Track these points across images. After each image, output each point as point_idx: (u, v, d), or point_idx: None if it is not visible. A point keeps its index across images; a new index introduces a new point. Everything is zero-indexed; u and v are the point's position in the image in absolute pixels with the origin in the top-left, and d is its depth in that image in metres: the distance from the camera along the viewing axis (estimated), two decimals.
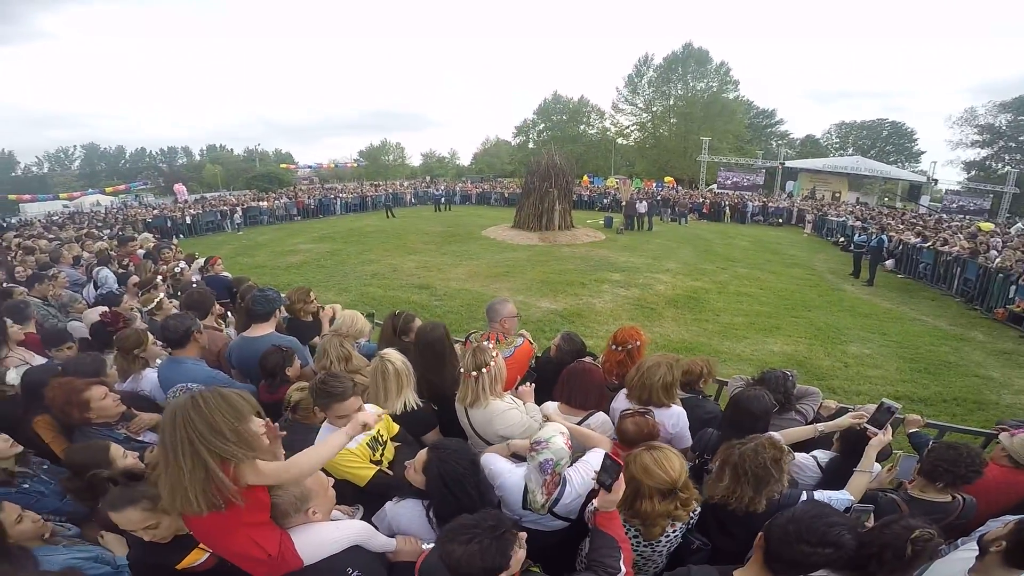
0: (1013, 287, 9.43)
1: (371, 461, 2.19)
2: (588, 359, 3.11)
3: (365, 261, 13.23)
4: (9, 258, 8.70)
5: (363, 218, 24.36)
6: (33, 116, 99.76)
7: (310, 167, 51.48)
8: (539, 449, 1.87)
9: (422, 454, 1.91)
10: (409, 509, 1.95)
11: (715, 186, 39.13)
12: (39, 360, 3.50)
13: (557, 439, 1.88)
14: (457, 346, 3.18)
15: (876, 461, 2.24)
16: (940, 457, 2.11)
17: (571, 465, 2.01)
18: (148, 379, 3.17)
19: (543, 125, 57.43)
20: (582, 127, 57.18)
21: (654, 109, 52.34)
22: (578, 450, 2.14)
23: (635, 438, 2.16)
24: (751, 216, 25.89)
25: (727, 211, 25.98)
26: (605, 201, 27.64)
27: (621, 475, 1.66)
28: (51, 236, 13.01)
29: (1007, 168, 40.06)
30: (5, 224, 24.22)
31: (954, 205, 33.80)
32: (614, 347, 3.10)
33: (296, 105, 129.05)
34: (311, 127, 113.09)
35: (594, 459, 2.01)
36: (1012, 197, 34.34)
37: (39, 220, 23.48)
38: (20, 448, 2.28)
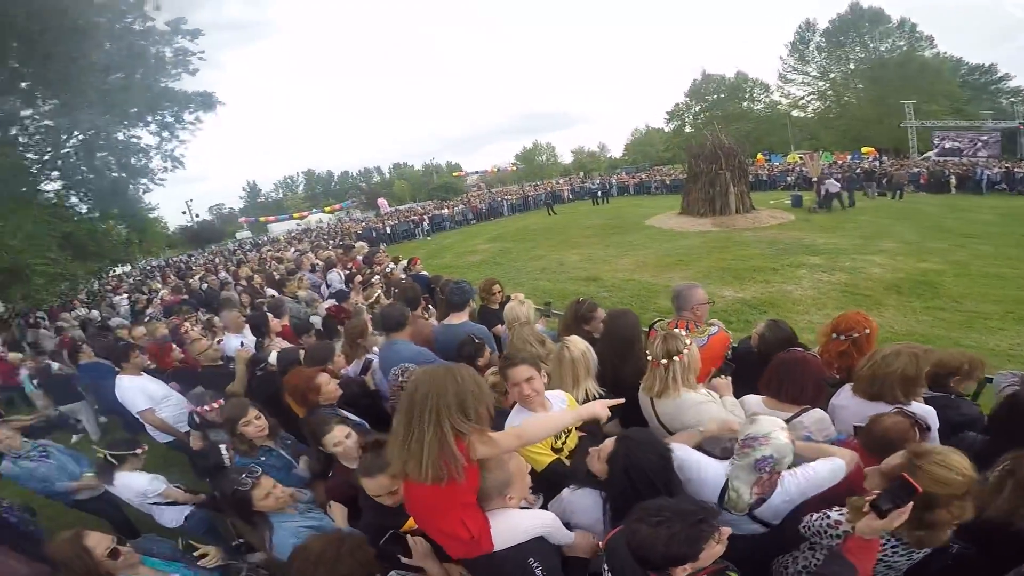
0: None
1: (552, 449, 2.15)
2: (804, 350, 2.72)
3: (534, 257, 13.91)
4: (266, 267, 11.37)
5: (527, 217, 25.53)
6: (266, 149, 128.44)
7: (477, 173, 55.98)
8: (754, 445, 1.66)
9: (608, 443, 1.81)
10: (586, 499, 1.89)
11: (931, 154, 31.93)
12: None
13: (778, 435, 1.66)
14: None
15: None
16: None
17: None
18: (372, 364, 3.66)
19: (698, 107, 53.81)
20: (745, 103, 52.17)
21: (832, 76, 46.42)
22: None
23: (882, 442, 1.84)
24: (991, 185, 20.64)
25: (951, 181, 21.14)
26: (788, 179, 24.56)
27: (910, 504, 1.35)
28: (292, 248, 16.47)
29: None
30: (260, 241, 31.38)
31: None
32: (835, 336, 2.65)
33: (457, 118, 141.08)
34: (472, 137, 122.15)
35: (822, 467, 1.78)
36: None
37: (282, 236, 29.93)
38: (266, 432, 2.75)
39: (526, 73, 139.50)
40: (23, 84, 13.00)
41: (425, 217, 25.75)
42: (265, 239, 34.65)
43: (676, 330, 2.42)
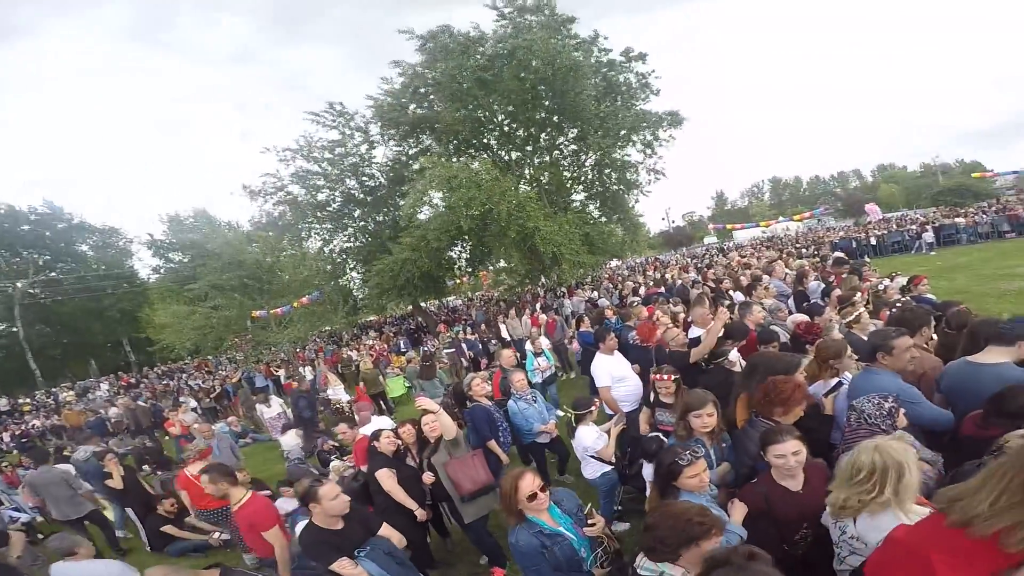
0: None
1: None
2: None
3: None
4: (734, 271, 11.80)
5: None
6: (731, 158, 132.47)
7: (1015, 173, 38.55)
8: None
9: None
10: None
11: None
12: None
13: None
14: None
15: None
16: None
17: None
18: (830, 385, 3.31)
19: None
20: None
21: None
22: None
23: None
24: None
25: None
26: None
27: None
28: (759, 255, 16.42)
29: None
30: (726, 247, 32.97)
31: None
32: None
33: (975, 107, 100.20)
34: (999, 129, 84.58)
35: None
36: None
37: (747, 243, 30.45)
38: (710, 428, 2.91)
39: None
40: (555, 118, 18.07)
41: (928, 227, 20.11)
42: (730, 245, 36.14)
43: None
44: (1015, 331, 2.84)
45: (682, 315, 6.85)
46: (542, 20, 16.38)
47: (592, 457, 3.84)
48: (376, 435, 4.18)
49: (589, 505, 2.54)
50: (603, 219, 19.78)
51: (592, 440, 3.86)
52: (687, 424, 2.91)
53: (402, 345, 17.88)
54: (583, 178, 20.22)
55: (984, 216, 20.52)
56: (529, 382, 5.34)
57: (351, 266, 21.21)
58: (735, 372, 3.79)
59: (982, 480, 1.52)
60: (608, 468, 3.80)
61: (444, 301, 27.44)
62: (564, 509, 2.45)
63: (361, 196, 19.52)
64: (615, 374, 4.65)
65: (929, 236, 19.26)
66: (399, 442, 4.19)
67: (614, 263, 27.91)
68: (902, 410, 2.48)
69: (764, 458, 2.42)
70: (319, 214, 19.32)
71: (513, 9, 16.53)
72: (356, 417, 7.43)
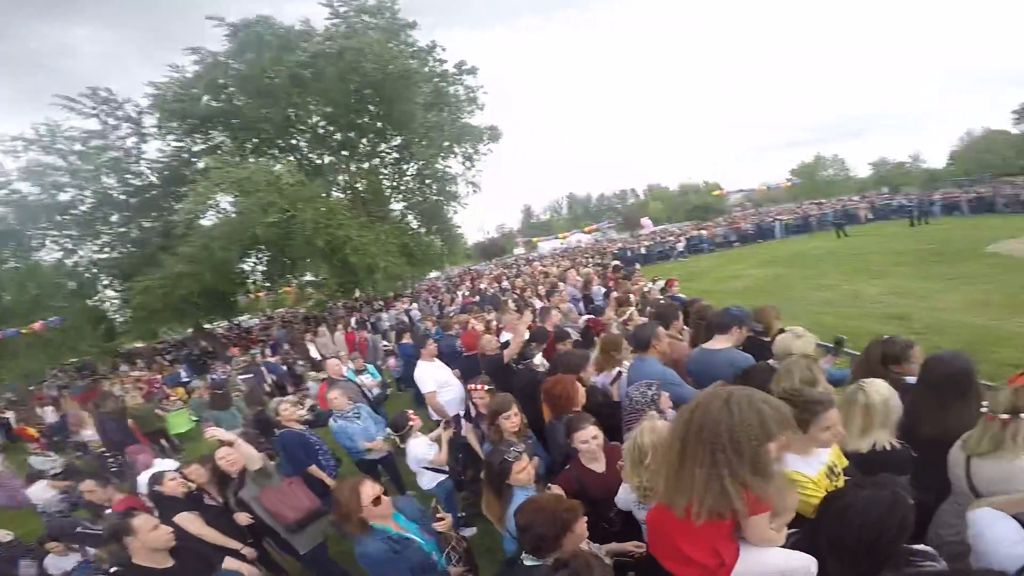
0: None
1: (826, 492, 1.97)
2: None
3: (816, 287, 12.02)
4: (536, 279, 12.93)
5: (808, 240, 22.26)
6: (537, 174, 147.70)
7: (741, 192, 51.46)
8: None
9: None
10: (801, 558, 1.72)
11: None
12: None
13: None
14: None
15: None
16: None
17: None
18: (613, 375, 3.78)
19: None
20: None
21: None
22: None
23: None
24: None
25: None
26: None
27: None
28: (556, 265, 18.28)
29: None
30: (532, 257, 36.06)
31: None
32: None
33: (716, 134, 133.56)
34: (734, 153, 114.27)
35: None
36: None
37: (548, 254, 33.80)
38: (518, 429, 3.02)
39: (800, 81, 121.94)
40: (379, 124, 17.46)
41: (682, 238, 25.15)
42: (535, 255, 39.58)
43: None
44: (729, 321, 3.52)
45: (494, 322, 7.16)
46: (381, 23, 15.81)
47: (426, 468, 3.78)
48: (157, 478, 3.53)
49: (435, 501, 2.64)
50: (423, 230, 19.74)
51: (424, 451, 3.79)
52: (498, 427, 3.03)
53: (183, 374, 14.92)
54: (404, 187, 19.88)
55: (718, 228, 26.56)
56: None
57: (105, 282, 17.28)
58: (540, 372, 4.06)
59: (657, 462, 1.85)
60: (443, 476, 3.79)
61: (235, 321, 24.07)
62: (408, 516, 2.50)
63: (122, 197, 16.08)
64: (438, 379, 4.78)
65: (682, 245, 24.08)
66: (190, 483, 3.57)
67: (432, 274, 28.10)
68: (665, 393, 2.87)
69: (571, 445, 2.65)
70: (59, 218, 15.35)
71: (350, 9, 15.65)
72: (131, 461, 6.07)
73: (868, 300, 10.08)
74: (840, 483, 2.05)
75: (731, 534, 1.59)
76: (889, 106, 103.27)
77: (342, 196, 16.59)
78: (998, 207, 22.52)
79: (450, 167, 19.82)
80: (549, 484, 2.61)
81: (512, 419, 3.02)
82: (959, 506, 1.98)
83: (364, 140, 18.35)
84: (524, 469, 2.39)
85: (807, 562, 1.63)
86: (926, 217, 22.19)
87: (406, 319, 13.15)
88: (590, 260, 20.67)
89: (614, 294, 7.19)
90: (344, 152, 18.35)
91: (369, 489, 2.28)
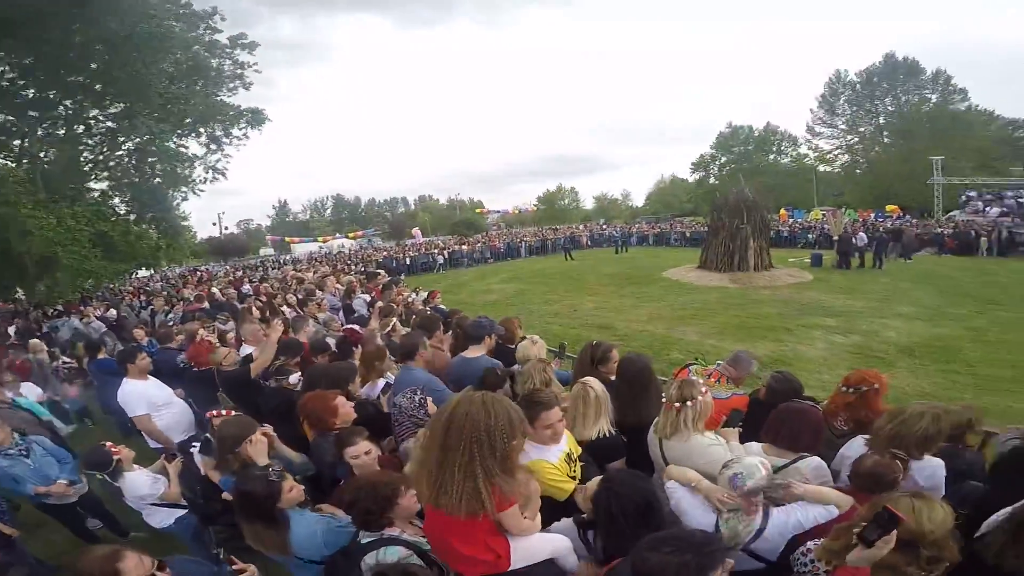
0: None
1: (568, 476, 2.25)
2: (808, 402, 2.83)
3: (548, 301, 13.99)
4: (289, 286, 11.69)
5: (545, 260, 25.83)
6: (299, 169, 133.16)
7: (498, 213, 57.10)
8: (729, 465, 1.89)
9: (594, 482, 1.95)
10: (569, 531, 2.00)
11: (957, 213, 31.27)
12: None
13: (749, 459, 1.89)
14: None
15: None
16: None
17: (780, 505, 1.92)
18: (379, 387, 3.77)
19: (724, 158, 54.15)
20: (772, 156, 52.28)
21: (860, 130, 46.15)
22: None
23: (868, 479, 2.02)
24: (1015, 247, 19.52)
25: (982, 243, 20.16)
26: (810, 237, 24.52)
27: (894, 532, 1.45)
28: (314, 270, 16.90)
29: None
30: (284, 260, 32.48)
31: None
32: (844, 389, 2.81)
33: (484, 155, 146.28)
34: (497, 175, 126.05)
35: (814, 506, 1.90)
36: None
37: (304, 257, 30.91)
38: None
39: (558, 116, 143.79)
40: (97, 86, 13.80)
41: (445, 252, 26.27)
42: (288, 258, 35.77)
43: (695, 378, 2.53)
44: (481, 331, 3.87)
45: (232, 334, 6.34)
46: None
47: (156, 505, 3.11)
48: None
49: (221, 552, 2.39)
50: (132, 216, 15.61)
51: (148, 486, 3.09)
52: (238, 455, 2.65)
53: None
54: (112, 163, 15.45)
55: (477, 245, 28.64)
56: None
57: None
58: (295, 391, 3.70)
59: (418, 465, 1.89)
60: (181, 512, 3.16)
61: None
62: None
63: None
64: (153, 400, 4.03)
65: (442, 259, 25.16)
66: None
67: (143, 273, 22.65)
68: (429, 399, 2.92)
69: (343, 460, 2.52)
70: None
71: None
72: None
73: (585, 312, 12.19)
74: (578, 468, 2.30)
75: (495, 528, 1.69)
76: (615, 150, 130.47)
77: (13, 165, 12.10)
78: (672, 241, 30.37)
79: (187, 146, 16.41)
80: (320, 505, 2.43)
81: (256, 443, 2.65)
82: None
83: (70, 101, 14.06)
84: (293, 487, 2.20)
85: (567, 541, 1.91)
86: (626, 246, 28.39)
87: (101, 328, 10.15)
88: (353, 267, 19.74)
89: (378, 304, 7.06)
90: (33, 112, 13.60)
91: (135, 564, 1.62)
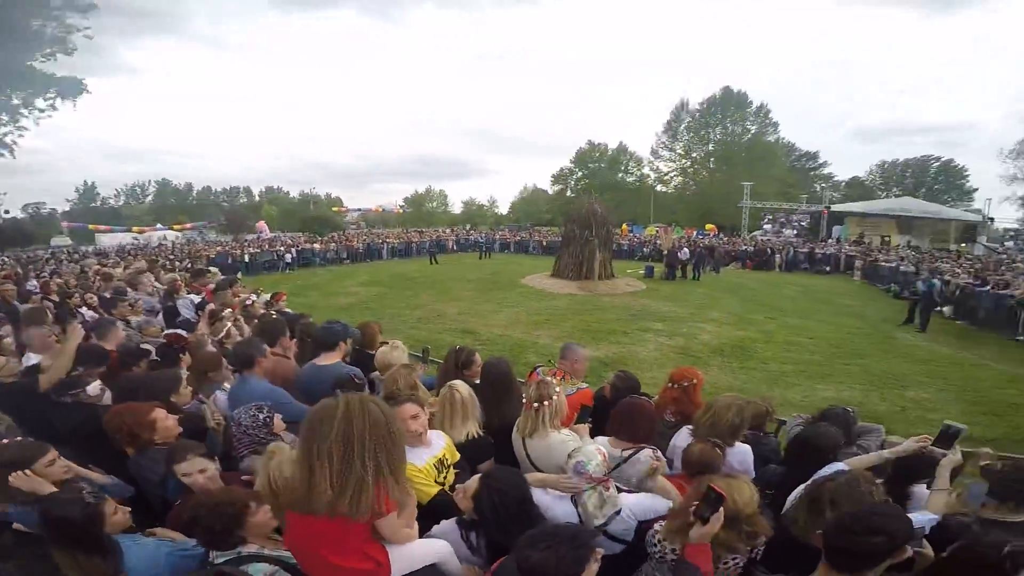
0: None
1: (435, 482, 2.28)
2: (644, 398, 3.18)
3: (411, 306, 13.67)
4: (91, 282, 9.62)
5: (408, 263, 25.27)
6: (114, 150, 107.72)
7: (359, 211, 54.25)
8: (572, 455, 2.03)
9: (473, 481, 2.00)
10: (451, 533, 2.02)
11: (759, 233, 38.27)
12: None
13: (587, 446, 2.04)
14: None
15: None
16: (1010, 477, 2.08)
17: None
18: (219, 400, 3.37)
19: (580, 173, 58.17)
20: (620, 175, 57.49)
21: (693, 155, 52.53)
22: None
23: (698, 465, 2.28)
24: (796, 264, 24.93)
25: (777, 259, 25.02)
26: (645, 250, 27.65)
27: (721, 509, 1.68)
28: (126, 265, 14.18)
29: None
30: (85, 252, 26.72)
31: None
32: (671, 384, 3.23)
33: (346, 150, 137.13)
34: (360, 172, 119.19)
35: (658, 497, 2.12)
36: None
37: (113, 251, 25.78)
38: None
39: (433, 117, 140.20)
40: None
41: (292, 250, 24.05)
42: (90, 250, 29.53)
43: (549, 378, 2.69)
44: (334, 337, 3.60)
45: (9, 339, 5.04)
46: None
47: None
48: None
49: None
50: None
51: None
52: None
53: None
54: None
55: (332, 244, 26.71)
56: None
57: None
58: (100, 405, 3.10)
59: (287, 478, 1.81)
60: None
61: None
62: None
63: None
64: None
65: (291, 257, 22.97)
66: None
67: None
68: (278, 415, 2.65)
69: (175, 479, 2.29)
70: None
71: None
72: None
73: (449, 318, 12.15)
74: (450, 476, 2.32)
75: (372, 535, 1.64)
76: (487, 156, 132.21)
77: None
78: (531, 249, 31.83)
79: None
80: (154, 530, 2.17)
81: (52, 466, 2.23)
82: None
83: None
84: (118, 511, 1.99)
85: (448, 546, 1.91)
86: (490, 252, 29.08)
87: None
88: (177, 264, 17.00)
89: (209, 306, 6.22)
90: None
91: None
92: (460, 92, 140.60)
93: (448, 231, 41.34)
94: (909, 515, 2.00)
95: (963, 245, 32.42)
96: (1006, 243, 32.63)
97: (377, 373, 3.70)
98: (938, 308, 12.95)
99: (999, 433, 5.95)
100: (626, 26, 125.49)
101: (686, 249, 20.84)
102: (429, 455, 2.28)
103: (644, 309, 13.40)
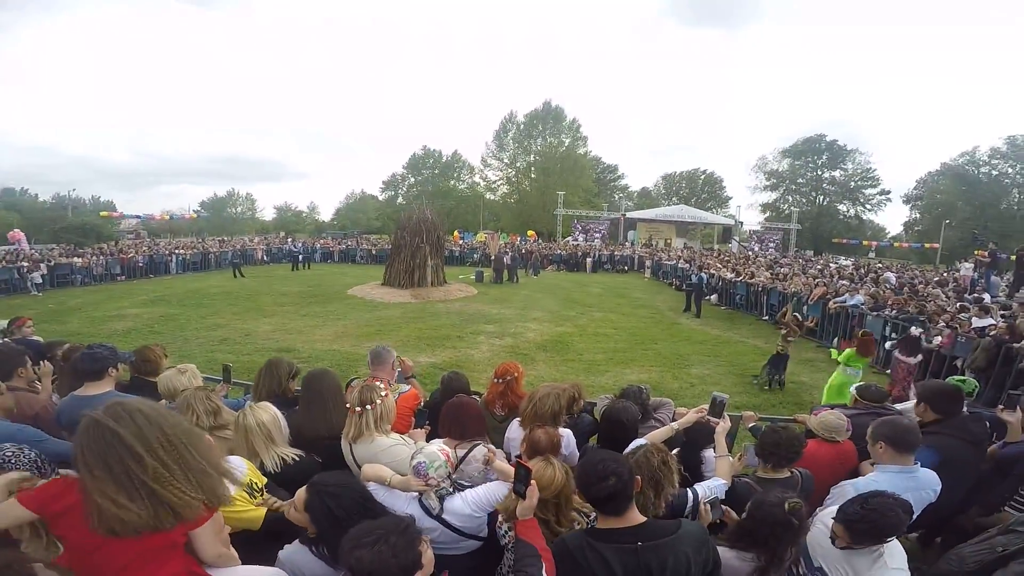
0: (805, 307, 12.23)
1: (254, 505, 2.16)
2: (474, 397, 3.28)
3: (210, 326, 11.78)
4: None
5: (206, 278, 21.82)
6: None
7: (138, 218, 44.97)
8: (415, 456, 2.02)
9: (301, 492, 1.89)
10: (300, 553, 1.91)
11: (570, 239, 42.72)
12: None
13: (429, 446, 2.03)
14: None
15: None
16: (766, 441, 2.57)
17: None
18: None
19: (413, 179, 58.08)
20: (452, 182, 58.80)
21: (518, 164, 55.97)
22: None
23: (545, 448, 2.38)
24: (601, 265, 28.89)
25: (587, 261, 28.43)
26: (475, 256, 28.55)
27: (533, 481, 1.78)
28: None
29: (791, 208, 50.25)
30: None
31: (758, 244, 41.61)
32: (495, 380, 3.37)
33: (122, 145, 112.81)
34: (140, 172, 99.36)
35: (496, 487, 2.14)
36: (797, 232, 43.23)
37: None
38: None
39: (238, 112, 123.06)
40: None
41: (41, 265, 18.70)
42: None
43: (376, 383, 2.61)
44: (100, 365, 3.01)
45: None
46: None
47: None
48: None
49: None
50: None
51: None
52: None
53: None
54: None
55: (100, 258, 21.37)
56: None
57: None
58: None
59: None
60: None
61: None
62: None
63: None
64: None
65: (39, 276, 17.78)
66: None
67: None
68: (33, 452, 2.24)
69: None
70: None
71: None
72: None
73: (260, 337, 10.79)
74: (267, 499, 2.19)
75: (192, 560, 1.58)
76: (304, 156, 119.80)
77: None
78: (358, 258, 30.21)
79: None
80: None
81: None
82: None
83: None
84: None
85: (280, 573, 1.81)
86: (308, 262, 26.78)
87: None
88: None
89: None
90: None
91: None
92: (276, 86, 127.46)
93: (257, 239, 36.89)
94: (705, 484, 2.39)
95: (722, 245, 41.41)
96: (752, 242, 42.40)
97: (165, 402, 3.13)
98: (707, 296, 16.10)
99: (761, 400, 7.56)
100: (466, 33, 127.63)
101: (509, 256, 22.16)
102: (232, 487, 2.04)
103: (476, 313, 13.84)
